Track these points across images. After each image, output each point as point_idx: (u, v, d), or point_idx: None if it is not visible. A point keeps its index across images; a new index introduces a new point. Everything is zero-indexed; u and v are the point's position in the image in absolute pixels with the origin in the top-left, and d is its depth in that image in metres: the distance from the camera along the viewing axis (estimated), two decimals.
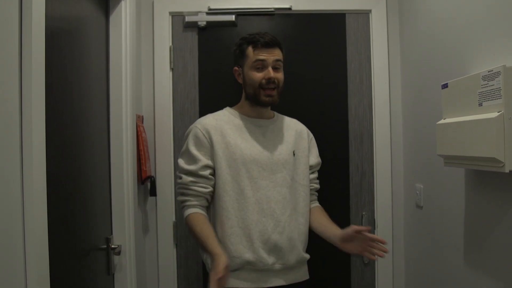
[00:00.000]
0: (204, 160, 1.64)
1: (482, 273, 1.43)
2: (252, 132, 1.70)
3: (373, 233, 2.19)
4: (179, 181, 1.69)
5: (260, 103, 1.69)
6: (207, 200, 1.68)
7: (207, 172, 1.64)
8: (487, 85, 1.22)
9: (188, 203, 1.65)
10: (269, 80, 1.64)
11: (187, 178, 1.65)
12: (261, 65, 1.65)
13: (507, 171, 1.15)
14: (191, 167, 1.65)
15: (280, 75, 1.68)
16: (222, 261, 1.44)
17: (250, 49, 1.66)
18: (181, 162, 1.69)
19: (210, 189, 1.66)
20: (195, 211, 1.64)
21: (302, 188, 1.74)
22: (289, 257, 1.65)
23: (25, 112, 1.00)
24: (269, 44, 1.65)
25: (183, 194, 1.67)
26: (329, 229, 1.70)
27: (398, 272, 2.20)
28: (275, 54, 1.67)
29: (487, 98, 1.22)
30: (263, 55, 1.65)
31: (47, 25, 1.10)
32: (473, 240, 1.49)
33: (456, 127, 1.37)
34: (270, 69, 1.65)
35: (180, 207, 1.72)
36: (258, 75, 1.65)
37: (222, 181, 1.63)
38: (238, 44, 1.72)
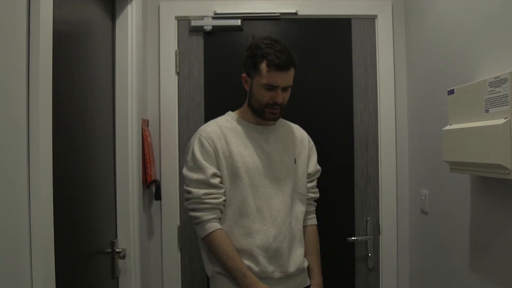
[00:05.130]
0: (212, 168, 1.61)
1: (487, 279, 1.42)
2: (255, 139, 1.69)
3: (378, 239, 2.19)
4: (189, 195, 1.61)
5: (262, 118, 1.68)
6: (221, 211, 1.63)
7: (217, 181, 1.61)
8: (494, 91, 1.21)
9: (205, 217, 1.59)
10: (276, 103, 1.63)
11: (198, 192, 1.59)
12: (271, 87, 1.61)
13: None
14: (200, 176, 1.60)
15: (287, 95, 1.66)
16: None
17: (263, 66, 1.59)
18: (187, 172, 1.64)
19: (223, 198, 1.62)
20: (218, 228, 1.59)
21: (299, 196, 1.74)
22: (289, 265, 1.64)
23: (32, 115, 1.01)
24: (284, 67, 1.59)
25: (196, 210, 1.61)
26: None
27: (403, 278, 2.19)
28: (288, 78, 1.62)
29: (494, 105, 1.22)
30: (276, 80, 1.59)
31: (54, 29, 1.11)
32: (478, 246, 1.48)
33: (462, 133, 1.36)
34: (279, 91, 1.61)
35: (193, 222, 1.64)
36: (266, 95, 1.62)
37: (226, 190, 1.63)
38: (252, 54, 1.62)
